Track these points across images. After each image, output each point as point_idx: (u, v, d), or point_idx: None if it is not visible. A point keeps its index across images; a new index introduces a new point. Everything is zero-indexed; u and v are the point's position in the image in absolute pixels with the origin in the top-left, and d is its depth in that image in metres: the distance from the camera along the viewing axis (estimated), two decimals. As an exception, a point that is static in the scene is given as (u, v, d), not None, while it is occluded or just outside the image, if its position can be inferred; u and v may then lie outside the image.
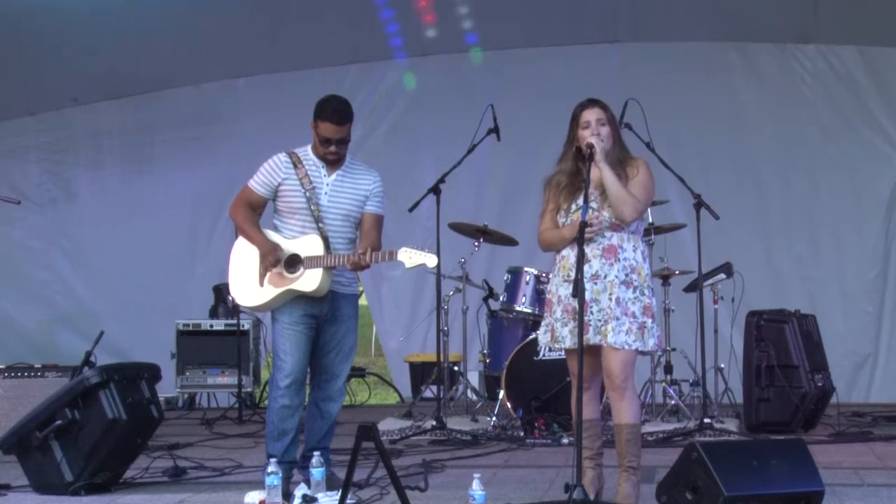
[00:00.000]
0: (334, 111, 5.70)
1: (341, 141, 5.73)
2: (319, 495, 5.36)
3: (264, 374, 9.00)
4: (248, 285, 5.75)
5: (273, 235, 5.77)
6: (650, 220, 7.86)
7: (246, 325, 9.14)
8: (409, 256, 5.54)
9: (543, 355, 7.50)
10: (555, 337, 5.37)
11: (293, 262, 5.68)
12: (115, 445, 5.85)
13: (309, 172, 5.74)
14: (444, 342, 8.12)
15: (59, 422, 5.76)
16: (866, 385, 9.30)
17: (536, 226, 5.49)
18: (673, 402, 7.94)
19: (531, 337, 7.60)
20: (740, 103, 9.63)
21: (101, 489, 5.82)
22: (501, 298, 8.22)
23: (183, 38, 9.55)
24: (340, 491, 4.97)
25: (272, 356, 5.83)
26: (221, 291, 9.30)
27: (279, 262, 5.68)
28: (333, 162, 5.77)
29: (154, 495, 5.83)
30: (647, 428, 7.32)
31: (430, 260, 5.55)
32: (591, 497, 5.15)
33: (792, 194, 9.56)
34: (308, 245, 5.67)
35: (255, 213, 5.84)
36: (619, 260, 5.28)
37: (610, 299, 5.24)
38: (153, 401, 6.19)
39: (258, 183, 5.80)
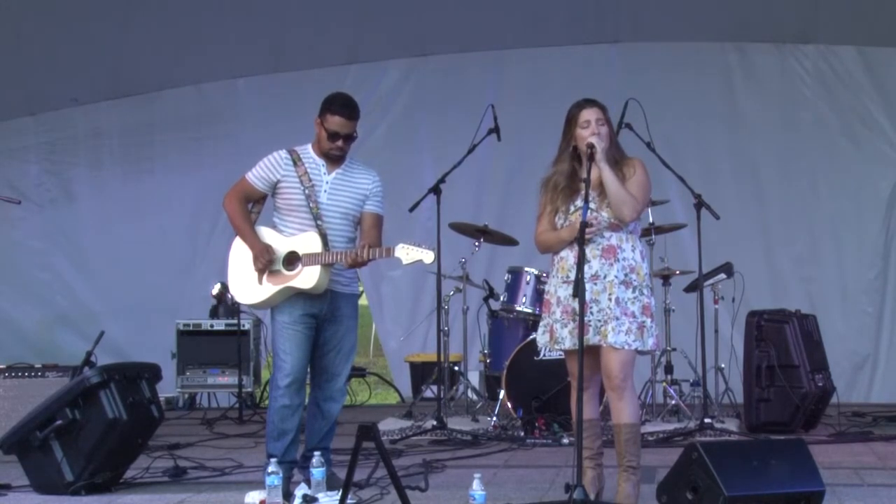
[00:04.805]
0: (344, 105, 5.74)
1: (348, 137, 5.74)
2: (320, 495, 5.37)
3: (265, 374, 8.99)
4: (248, 283, 5.75)
5: (271, 233, 5.77)
6: (650, 219, 7.87)
7: (246, 325, 9.13)
8: (407, 253, 5.53)
9: (544, 355, 7.50)
10: (554, 338, 5.37)
11: (291, 260, 5.67)
12: (116, 445, 5.86)
13: (308, 170, 5.74)
14: (445, 342, 8.11)
15: (59, 422, 5.76)
16: (866, 385, 9.30)
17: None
18: (673, 402, 7.93)
19: (531, 337, 7.59)
20: (740, 103, 9.63)
21: (101, 489, 5.83)
22: (502, 298, 8.22)
23: (183, 38, 9.54)
24: (341, 491, 4.98)
25: (272, 356, 5.84)
26: (221, 292, 9.29)
27: (271, 263, 5.68)
28: (336, 159, 5.77)
29: (154, 495, 5.83)
30: (648, 428, 7.33)
31: (427, 256, 5.52)
32: (591, 497, 5.15)
33: (792, 194, 9.55)
34: (306, 242, 5.66)
35: (249, 210, 5.82)
36: (618, 260, 5.28)
37: (609, 299, 5.24)
38: (153, 401, 6.19)
39: (256, 177, 5.79)
